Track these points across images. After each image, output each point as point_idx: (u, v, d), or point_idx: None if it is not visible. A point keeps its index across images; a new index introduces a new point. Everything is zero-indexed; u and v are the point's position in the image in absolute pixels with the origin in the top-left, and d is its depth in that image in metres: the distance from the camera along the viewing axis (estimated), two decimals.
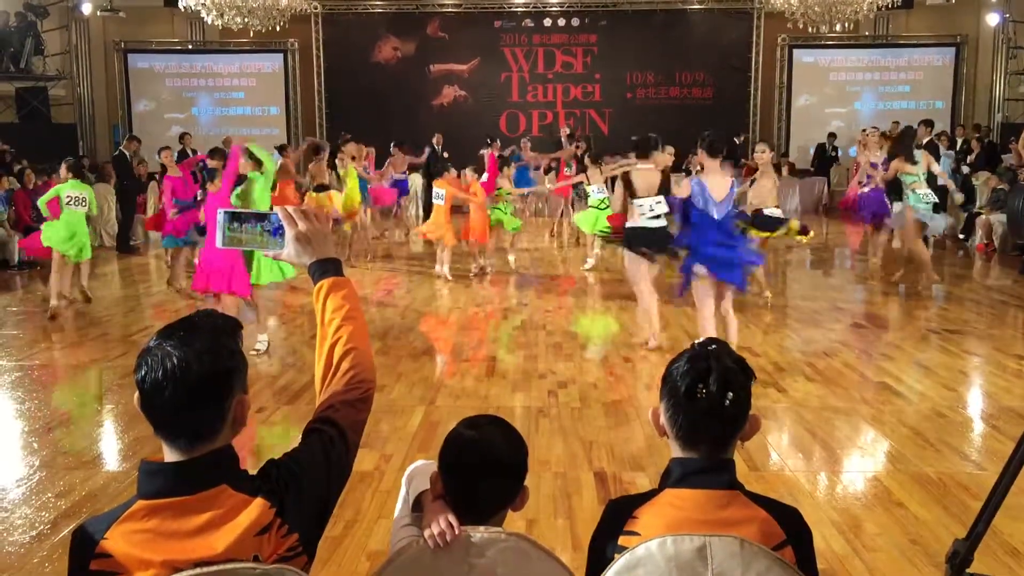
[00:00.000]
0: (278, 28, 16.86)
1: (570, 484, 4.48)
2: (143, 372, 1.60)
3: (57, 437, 5.29)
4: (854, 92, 19.99)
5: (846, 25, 17.10)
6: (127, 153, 14.44)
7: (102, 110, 19.90)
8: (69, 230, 9.07)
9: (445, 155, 17.49)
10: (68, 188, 9.12)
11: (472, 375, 6.58)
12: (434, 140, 17.32)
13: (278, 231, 1.87)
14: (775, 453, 4.95)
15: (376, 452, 4.83)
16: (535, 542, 1.78)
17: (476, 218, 10.85)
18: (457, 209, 11.39)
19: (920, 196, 9.37)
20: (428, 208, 17.69)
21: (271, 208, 7.59)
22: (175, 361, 1.57)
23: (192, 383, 1.58)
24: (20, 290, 10.74)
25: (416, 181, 16.91)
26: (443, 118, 19.51)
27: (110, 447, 5.30)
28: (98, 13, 18.71)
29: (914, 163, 9.44)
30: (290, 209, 1.89)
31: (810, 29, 17.15)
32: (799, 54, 20.03)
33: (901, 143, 9.91)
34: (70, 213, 9.06)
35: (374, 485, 4.42)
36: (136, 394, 1.62)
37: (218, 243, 1.89)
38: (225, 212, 1.87)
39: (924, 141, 13.89)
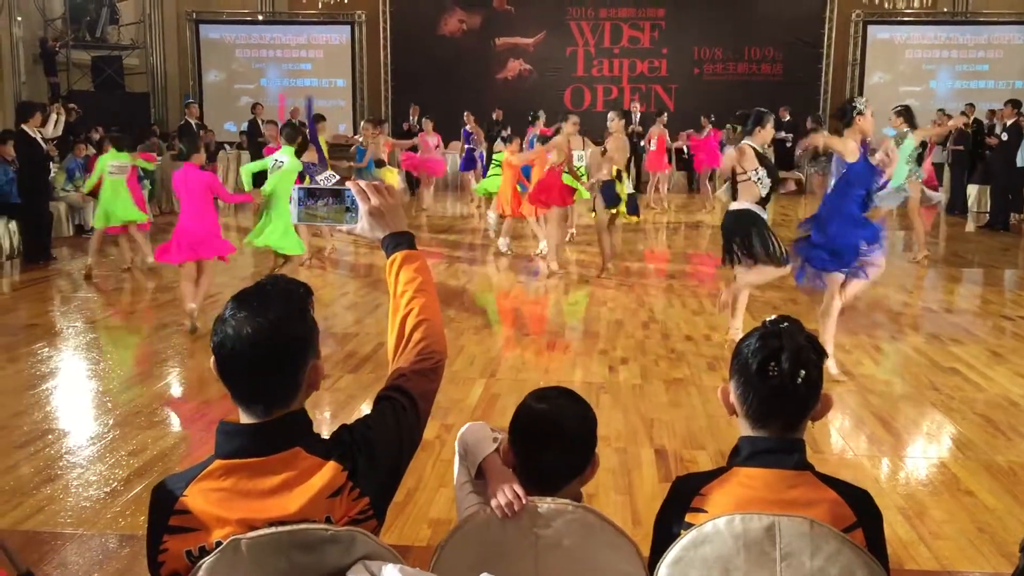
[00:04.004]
0: (346, 0, 16.97)
1: (630, 460, 4.48)
2: (219, 339, 1.63)
3: (130, 397, 5.45)
4: (930, 70, 19.38)
5: (924, 0, 16.60)
6: (192, 122, 14.67)
7: (174, 80, 20.23)
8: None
9: (508, 129, 17.49)
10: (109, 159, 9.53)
11: (533, 349, 6.59)
12: (494, 115, 17.29)
13: (352, 206, 1.90)
14: (838, 436, 4.88)
15: (437, 422, 4.87)
16: (602, 515, 1.79)
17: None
18: None
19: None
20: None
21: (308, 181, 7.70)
22: (250, 329, 1.61)
23: (267, 350, 1.61)
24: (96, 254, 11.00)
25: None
26: (507, 92, 19.47)
27: (181, 408, 5.44)
28: None
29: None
30: (363, 184, 1.92)
31: (886, 4, 16.69)
32: (874, 30, 19.45)
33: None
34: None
35: (435, 454, 4.47)
36: (212, 360, 1.67)
37: (294, 219, 1.96)
38: (301, 188, 1.92)
39: (1009, 123, 13.51)
